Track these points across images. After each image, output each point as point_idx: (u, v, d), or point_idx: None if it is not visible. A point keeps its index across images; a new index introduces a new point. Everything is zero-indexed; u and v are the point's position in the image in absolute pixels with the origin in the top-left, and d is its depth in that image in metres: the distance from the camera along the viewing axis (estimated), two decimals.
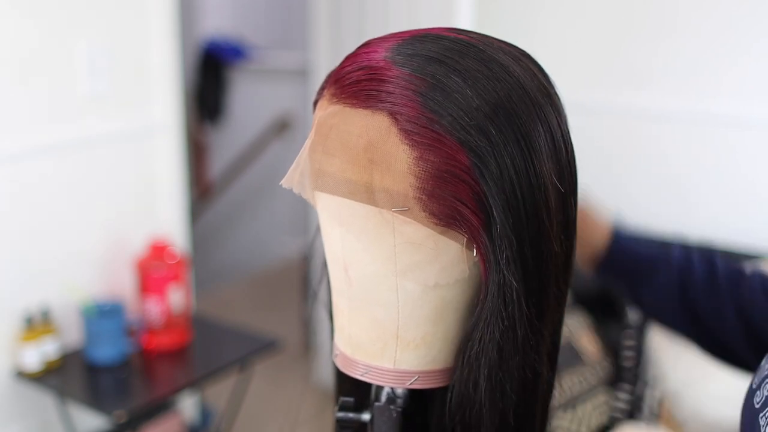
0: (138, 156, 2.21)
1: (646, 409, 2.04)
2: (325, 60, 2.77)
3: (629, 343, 2.11)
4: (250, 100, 4.49)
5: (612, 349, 2.15)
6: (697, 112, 2.31)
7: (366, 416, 0.66)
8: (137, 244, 2.18)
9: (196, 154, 4.47)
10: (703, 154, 2.33)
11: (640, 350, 2.11)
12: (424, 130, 0.53)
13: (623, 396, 2.04)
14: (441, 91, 0.54)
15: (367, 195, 0.56)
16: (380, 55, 0.56)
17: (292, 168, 0.61)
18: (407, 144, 0.54)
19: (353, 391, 0.69)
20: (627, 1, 2.42)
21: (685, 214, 2.34)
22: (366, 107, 0.55)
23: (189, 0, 4.41)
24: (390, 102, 0.54)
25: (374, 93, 0.55)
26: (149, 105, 2.22)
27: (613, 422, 2.00)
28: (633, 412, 2.03)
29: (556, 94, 0.59)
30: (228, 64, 4.45)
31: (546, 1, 2.55)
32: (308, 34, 3.10)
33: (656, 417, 2.04)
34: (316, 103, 0.62)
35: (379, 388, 0.66)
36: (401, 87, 0.54)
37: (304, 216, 3.56)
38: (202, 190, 4.49)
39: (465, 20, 2.42)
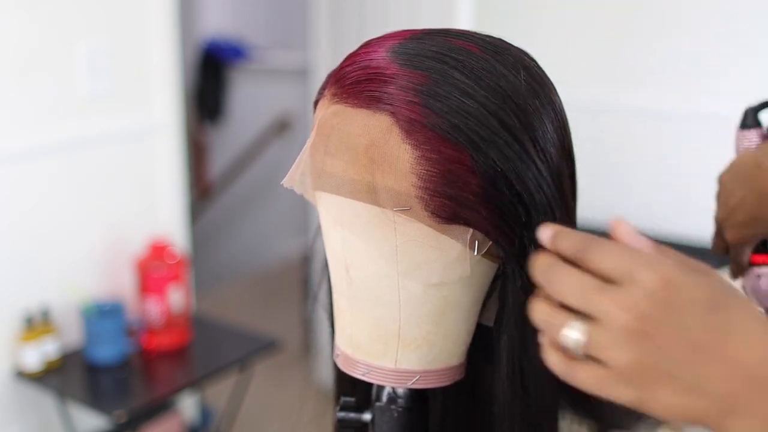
0: (138, 156, 2.21)
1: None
2: (325, 60, 2.77)
3: None
4: (250, 100, 4.49)
5: None
6: (698, 112, 2.31)
7: (367, 416, 0.66)
8: (137, 244, 2.18)
9: (196, 154, 4.47)
10: (703, 154, 2.33)
11: None
12: (425, 130, 0.53)
13: None
14: (442, 89, 0.54)
15: (369, 195, 0.56)
16: (381, 54, 0.57)
17: (293, 168, 0.61)
18: (409, 143, 0.54)
19: (354, 390, 0.69)
20: (627, 1, 2.42)
21: (685, 213, 2.34)
22: (367, 107, 0.55)
23: (189, 0, 4.41)
24: (390, 102, 0.54)
25: (375, 93, 0.55)
26: (149, 105, 2.22)
27: None
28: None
29: (553, 88, 0.60)
30: (228, 64, 4.45)
31: (546, 1, 2.55)
32: (308, 34, 3.10)
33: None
34: (316, 102, 0.62)
35: (380, 388, 0.65)
36: (402, 86, 0.54)
37: (304, 216, 3.56)
38: (202, 190, 4.49)
39: (465, 20, 2.42)
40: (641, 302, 0.41)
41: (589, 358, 0.43)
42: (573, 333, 0.43)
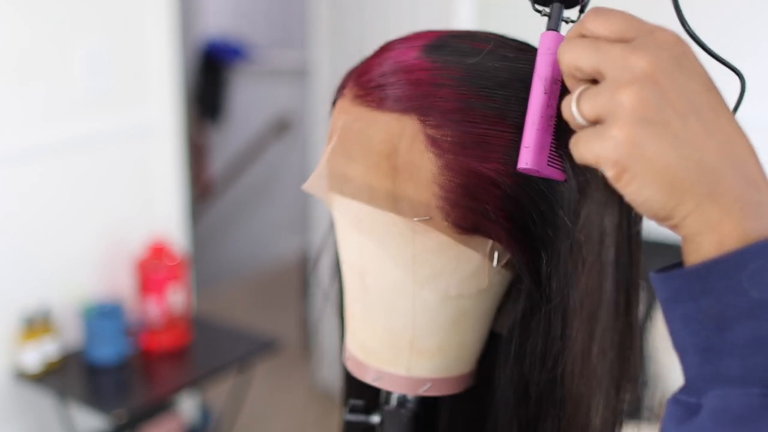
0: (138, 156, 2.21)
1: (645, 409, 2.04)
2: (325, 60, 2.77)
3: None
4: (250, 100, 4.49)
5: None
6: None
7: (375, 419, 0.66)
8: (137, 244, 2.18)
9: (196, 154, 4.47)
10: None
11: (640, 350, 2.11)
12: (452, 135, 0.51)
13: None
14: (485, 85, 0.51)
15: (389, 202, 0.54)
16: (413, 54, 0.54)
17: (314, 174, 0.59)
18: (433, 152, 0.52)
19: (362, 392, 0.68)
20: (627, 1, 2.42)
21: None
22: (393, 111, 0.53)
23: (189, 0, 4.41)
24: (420, 106, 0.52)
25: (406, 95, 0.53)
26: (149, 105, 2.22)
27: None
28: (633, 412, 2.03)
29: None
30: (228, 64, 4.45)
31: None
32: (308, 34, 3.10)
33: (656, 417, 2.04)
34: (335, 102, 0.60)
35: (390, 392, 0.65)
36: (444, 85, 0.52)
37: (303, 216, 3.56)
38: (202, 190, 4.49)
39: (465, 20, 2.42)
40: (658, 51, 0.40)
41: (594, 122, 0.42)
42: (578, 90, 0.42)
